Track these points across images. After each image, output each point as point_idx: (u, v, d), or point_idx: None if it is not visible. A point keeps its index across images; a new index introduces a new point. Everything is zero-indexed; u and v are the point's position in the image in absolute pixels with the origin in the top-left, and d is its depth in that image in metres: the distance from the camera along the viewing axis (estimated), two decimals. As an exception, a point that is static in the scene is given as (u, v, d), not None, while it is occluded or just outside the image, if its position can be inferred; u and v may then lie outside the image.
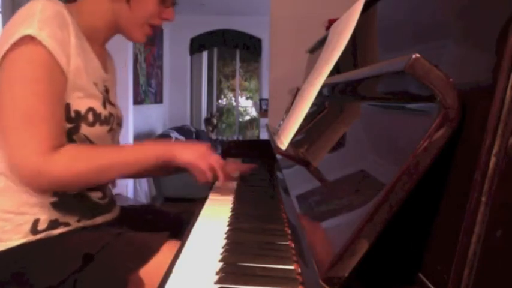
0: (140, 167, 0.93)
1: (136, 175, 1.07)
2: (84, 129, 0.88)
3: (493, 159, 0.31)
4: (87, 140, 0.90)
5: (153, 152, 0.91)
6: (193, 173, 0.96)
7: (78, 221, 0.90)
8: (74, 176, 0.84)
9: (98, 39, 0.98)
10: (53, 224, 0.86)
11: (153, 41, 5.21)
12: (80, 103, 0.88)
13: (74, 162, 0.84)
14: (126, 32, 0.99)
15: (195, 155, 0.91)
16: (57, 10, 0.84)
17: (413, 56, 0.36)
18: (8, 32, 0.82)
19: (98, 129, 0.91)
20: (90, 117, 0.89)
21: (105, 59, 1.03)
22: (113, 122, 0.97)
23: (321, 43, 1.12)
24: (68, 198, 0.88)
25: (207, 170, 0.92)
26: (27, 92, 0.80)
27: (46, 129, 0.81)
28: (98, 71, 0.96)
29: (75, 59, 0.86)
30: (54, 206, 0.87)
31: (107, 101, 0.96)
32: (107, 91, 0.98)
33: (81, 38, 0.90)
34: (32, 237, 0.84)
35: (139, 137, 4.41)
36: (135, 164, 0.91)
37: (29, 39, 0.80)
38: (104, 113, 0.92)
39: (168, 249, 0.80)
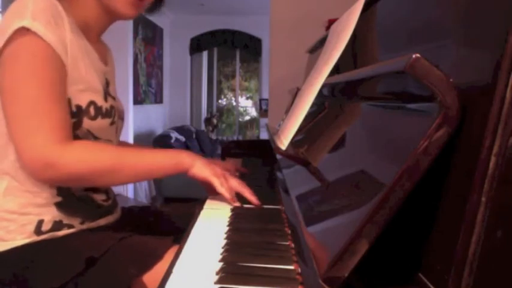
0: (157, 172, 0.92)
1: (148, 179, 1.08)
2: (87, 123, 0.87)
3: (493, 159, 0.31)
4: (91, 134, 0.89)
5: (173, 160, 0.90)
6: (206, 188, 0.98)
7: (82, 223, 0.89)
8: (87, 171, 0.82)
9: (92, 33, 0.97)
10: (57, 225, 0.86)
11: (153, 41, 5.22)
12: (80, 97, 0.86)
13: (89, 156, 0.82)
14: (113, 9, 0.93)
15: (211, 173, 0.92)
16: (51, 2, 0.83)
17: (414, 56, 0.36)
18: (1, 28, 0.80)
19: (100, 123, 0.90)
20: (92, 111, 0.88)
21: (103, 52, 1.02)
22: (114, 115, 0.96)
23: (321, 43, 1.12)
24: (73, 199, 0.88)
25: (222, 189, 0.92)
26: (33, 83, 0.79)
27: (56, 118, 0.79)
28: (97, 63, 0.95)
29: (72, 50, 0.85)
30: (59, 206, 0.86)
31: (107, 94, 0.95)
32: (107, 84, 0.97)
33: (77, 32, 0.89)
34: (36, 238, 0.84)
35: (139, 137, 4.42)
36: (151, 168, 0.90)
37: (24, 31, 0.78)
38: (105, 105, 0.91)
39: (172, 255, 0.79)
